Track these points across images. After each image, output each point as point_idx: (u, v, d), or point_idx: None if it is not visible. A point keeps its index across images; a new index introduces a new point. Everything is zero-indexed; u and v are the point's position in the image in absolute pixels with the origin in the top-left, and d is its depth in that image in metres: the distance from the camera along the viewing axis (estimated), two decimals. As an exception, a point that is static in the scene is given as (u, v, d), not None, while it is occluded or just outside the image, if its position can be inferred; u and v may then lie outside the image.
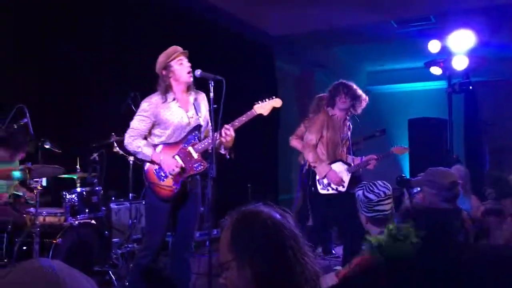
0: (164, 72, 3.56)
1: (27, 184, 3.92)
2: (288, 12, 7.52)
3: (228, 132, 3.50)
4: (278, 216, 1.43)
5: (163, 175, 3.51)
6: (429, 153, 7.84)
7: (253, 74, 7.79)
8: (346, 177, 4.61)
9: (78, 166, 4.64)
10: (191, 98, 3.66)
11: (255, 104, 3.61)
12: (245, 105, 7.21)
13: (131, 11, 5.79)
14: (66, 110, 5.16)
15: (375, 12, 7.10)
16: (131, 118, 3.60)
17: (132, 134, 3.54)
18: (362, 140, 5.40)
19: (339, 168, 4.61)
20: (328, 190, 4.57)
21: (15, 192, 4.45)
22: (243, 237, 1.37)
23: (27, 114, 3.83)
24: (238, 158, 4.92)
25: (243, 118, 3.58)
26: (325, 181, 4.56)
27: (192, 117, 3.62)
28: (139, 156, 3.54)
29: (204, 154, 3.56)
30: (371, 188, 2.55)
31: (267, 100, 3.63)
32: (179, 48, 3.60)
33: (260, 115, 3.59)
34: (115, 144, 4.77)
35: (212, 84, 3.38)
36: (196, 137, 3.59)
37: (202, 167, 3.57)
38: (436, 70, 6.84)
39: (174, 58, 3.54)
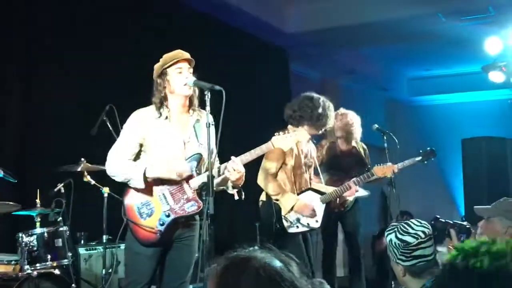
0: (159, 81, 3.61)
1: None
2: (306, 4, 7.62)
3: (236, 167, 3.51)
4: (277, 263, 1.47)
5: (147, 212, 3.53)
6: (488, 181, 7.81)
7: (262, 80, 7.87)
8: (320, 208, 4.76)
9: (38, 200, 4.65)
10: (193, 118, 3.70)
11: (274, 135, 3.67)
12: (251, 117, 7.29)
13: (111, 5, 5.90)
14: (24, 130, 5.22)
15: (417, 3, 7.16)
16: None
17: (117, 155, 3.56)
18: (401, 167, 5.40)
19: (309, 198, 4.75)
20: (298, 227, 4.69)
21: None
22: None
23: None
24: (246, 189, 4.95)
25: (257, 152, 3.64)
26: (293, 216, 4.65)
27: (189, 142, 3.65)
28: (132, 184, 3.54)
29: (202, 191, 3.56)
30: (405, 229, 2.55)
31: (289, 131, 3.70)
32: (184, 54, 3.64)
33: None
34: (86, 173, 4.80)
35: (209, 96, 3.42)
36: (193, 169, 3.62)
37: (196, 207, 3.58)
38: (496, 76, 6.87)
39: (172, 64, 3.58)
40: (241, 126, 6.34)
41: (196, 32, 6.62)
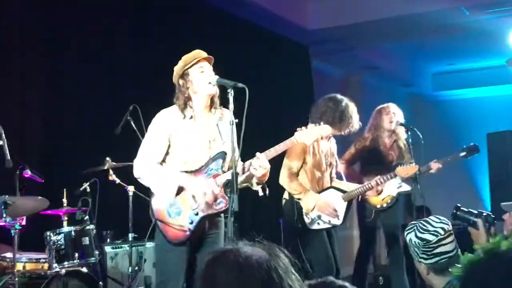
0: (181, 82, 3.64)
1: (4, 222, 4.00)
2: (327, 0, 7.60)
3: (261, 163, 3.52)
4: (260, 256, 1.51)
5: (175, 211, 3.56)
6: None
7: (285, 78, 7.87)
8: (341, 206, 4.77)
9: (64, 200, 4.72)
10: (216, 117, 3.72)
11: (296, 131, 3.67)
12: (273, 115, 7.30)
13: (131, 6, 5.95)
14: (49, 130, 5.29)
15: (440, -3, 7.11)
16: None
17: (146, 159, 3.58)
18: (437, 163, 5.35)
19: (331, 196, 4.78)
20: (319, 224, 4.72)
21: None
22: (209, 285, 1.51)
23: (3, 136, 3.94)
24: (270, 187, 4.97)
25: (281, 147, 3.64)
26: (314, 213, 4.69)
27: (214, 141, 3.68)
28: (160, 191, 3.56)
29: (227, 189, 3.58)
30: (425, 227, 2.53)
31: (312, 126, 3.70)
32: (203, 53, 3.66)
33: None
34: (111, 172, 4.84)
35: (232, 94, 3.42)
36: (219, 167, 3.63)
37: (224, 204, 3.59)
38: (521, 70, 6.77)
39: (193, 65, 3.61)
40: (264, 124, 6.35)
41: (217, 30, 6.64)
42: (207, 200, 3.53)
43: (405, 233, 2.60)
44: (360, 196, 5.21)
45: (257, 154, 3.54)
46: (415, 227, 2.56)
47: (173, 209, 3.56)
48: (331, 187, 4.87)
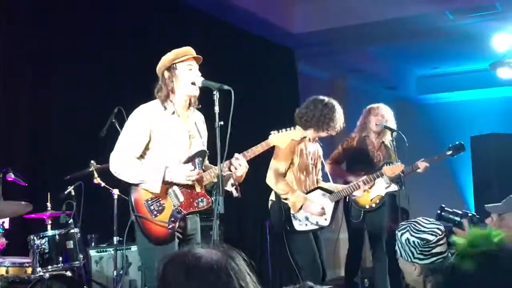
0: (166, 74, 3.59)
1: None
2: (312, 4, 7.62)
3: (241, 163, 3.54)
4: (212, 257, 1.57)
5: (157, 208, 3.51)
6: (498, 178, 7.79)
7: (270, 81, 7.89)
8: (329, 207, 4.80)
9: (48, 203, 4.69)
10: (194, 115, 3.73)
11: (271, 134, 3.73)
12: (258, 118, 7.31)
13: (116, 5, 5.94)
14: (34, 134, 5.26)
15: (425, 1, 7.15)
16: (116, 141, 3.64)
17: (125, 153, 3.50)
18: (424, 162, 5.39)
19: (318, 197, 4.81)
20: (306, 225, 4.73)
21: None
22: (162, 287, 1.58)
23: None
24: (255, 189, 4.98)
25: (258, 149, 3.68)
26: (302, 214, 4.71)
27: (194, 138, 3.67)
28: (144, 187, 3.49)
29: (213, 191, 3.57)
30: (419, 227, 2.53)
31: (283, 130, 3.76)
32: (193, 51, 3.65)
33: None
34: (96, 174, 4.81)
35: (217, 96, 3.42)
36: (200, 165, 3.63)
37: (206, 203, 3.60)
38: (504, 73, 6.84)
39: (183, 61, 3.59)
40: (249, 126, 6.35)
41: (202, 34, 6.63)
42: (190, 178, 3.51)
43: (398, 233, 2.59)
44: (348, 198, 5.23)
45: (236, 154, 3.56)
46: (408, 227, 2.55)
47: (155, 206, 3.52)
48: (318, 187, 4.88)
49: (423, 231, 2.50)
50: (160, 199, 3.54)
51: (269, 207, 4.88)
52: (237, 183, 3.67)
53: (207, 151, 3.70)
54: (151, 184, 3.47)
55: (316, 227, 4.77)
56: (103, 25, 5.76)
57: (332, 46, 8.57)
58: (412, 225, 2.55)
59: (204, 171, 3.66)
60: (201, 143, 3.69)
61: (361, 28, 7.87)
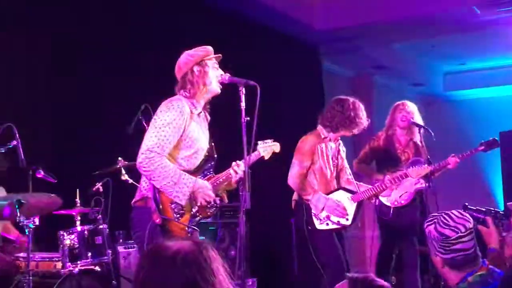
0: (196, 69, 3.51)
1: (17, 222, 4.04)
2: (336, 0, 7.60)
3: (239, 171, 3.56)
4: (179, 248, 1.62)
5: (179, 212, 3.47)
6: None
7: (294, 78, 7.88)
8: (351, 207, 4.81)
9: (77, 199, 4.77)
10: (207, 116, 3.75)
11: (258, 144, 3.75)
12: (283, 116, 7.32)
13: (137, 4, 6.00)
14: (62, 130, 5.35)
15: (451, -4, 7.10)
16: (143, 137, 3.62)
17: (158, 152, 3.32)
18: (455, 158, 5.31)
19: (340, 197, 4.82)
20: (327, 225, 4.75)
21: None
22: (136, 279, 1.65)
23: (17, 135, 3.98)
24: (280, 187, 5.01)
25: (252, 158, 3.65)
26: (323, 214, 4.74)
27: (208, 141, 3.69)
28: (171, 194, 3.37)
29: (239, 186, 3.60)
30: (446, 221, 2.52)
31: (269, 141, 3.84)
32: (212, 49, 3.63)
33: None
34: (123, 171, 4.88)
35: (244, 92, 3.44)
36: (211, 169, 3.66)
37: (214, 209, 3.62)
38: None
39: (211, 59, 3.58)
40: (273, 124, 6.37)
41: (225, 31, 6.66)
42: (204, 203, 3.51)
43: (425, 224, 2.60)
44: (376, 196, 5.20)
45: (237, 162, 3.59)
46: (435, 220, 2.55)
47: (177, 210, 3.46)
48: (340, 188, 4.91)
49: (448, 226, 2.49)
50: None
51: (293, 206, 4.92)
52: (229, 189, 3.71)
53: (216, 156, 3.70)
54: (180, 196, 3.39)
55: (338, 226, 4.79)
56: (129, 21, 5.83)
57: (357, 43, 8.54)
58: (441, 217, 2.54)
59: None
60: (212, 148, 3.70)
61: (387, 25, 7.84)
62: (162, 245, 1.65)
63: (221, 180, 3.62)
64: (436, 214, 2.60)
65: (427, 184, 5.25)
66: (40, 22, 5.24)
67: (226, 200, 3.74)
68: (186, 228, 3.48)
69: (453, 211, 2.56)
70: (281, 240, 6.96)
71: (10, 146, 4.03)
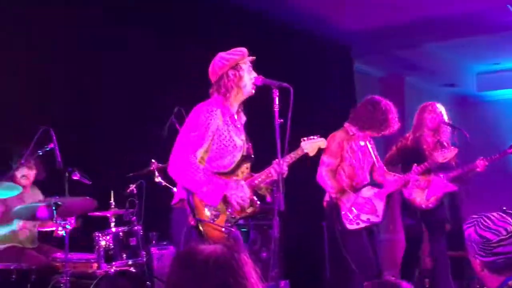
0: (231, 72, 3.54)
1: (54, 223, 4.13)
2: (367, 0, 7.56)
3: (278, 170, 3.51)
4: (211, 252, 1.65)
5: (214, 213, 3.48)
6: None
7: (326, 79, 7.90)
8: (379, 203, 4.81)
9: (112, 201, 4.83)
10: (243, 117, 3.75)
11: (302, 141, 3.78)
12: (315, 118, 7.33)
13: (173, 7, 6.07)
14: (96, 133, 5.44)
15: (485, -5, 7.02)
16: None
17: (187, 157, 3.37)
18: (483, 161, 5.25)
19: (368, 193, 4.82)
20: (358, 224, 4.74)
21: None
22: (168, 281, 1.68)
23: (54, 138, 4.07)
24: (313, 188, 5.01)
25: (294, 155, 3.70)
26: (353, 213, 4.73)
27: (244, 141, 3.69)
28: (202, 197, 3.41)
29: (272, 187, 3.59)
30: (486, 224, 2.48)
31: (314, 137, 3.83)
32: (247, 52, 3.64)
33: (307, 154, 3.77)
34: (157, 173, 4.94)
35: (277, 94, 3.45)
36: (249, 169, 3.67)
37: (253, 208, 3.63)
38: None
39: (245, 62, 3.59)
40: (304, 125, 6.36)
41: (257, 33, 6.69)
42: (237, 206, 3.52)
43: (464, 226, 2.57)
44: (404, 198, 5.20)
45: (275, 161, 3.54)
46: (475, 222, 2.52)
47: (212, 211, 3.48)
48: (368, 184, 4.90)
49: (488, 229, 2.46)
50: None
51: (325, 208, 4.93)
52: (270, 188, 3.67)
53: (253, 156, 3.72)
54: (211, 199, 3.41)
55: (368, 224, 4.78)
56: (160, 25, 5.90)
57: (389, 43, 8.49)
58: (481, 220, 2.50)
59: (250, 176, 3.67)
60: (250, 147, 3.72)
61: (419, 25, 7.78)
62: (195, 248, 1.67)
63: (259, 179, 3.62)
64: (475, 216, 2.56)
65: (458, 187, 5.20)
66: (71, 26, 5.34)
67: (269, 200, 3.74)
68: (222, 229, 3.49)
69: (493, 214, 2.52)
70: (313, 242, 6.97)
71: (48, 149, 4.12)
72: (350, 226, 4.74)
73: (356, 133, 4.85)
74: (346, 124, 4.89)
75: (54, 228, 4.39)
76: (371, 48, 8.66)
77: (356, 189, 4.82)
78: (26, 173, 4.65)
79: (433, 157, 5.06)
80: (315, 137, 3.84)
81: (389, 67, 9.75)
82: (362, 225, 4.76)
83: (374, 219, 4.79)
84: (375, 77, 9.82)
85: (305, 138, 3.79)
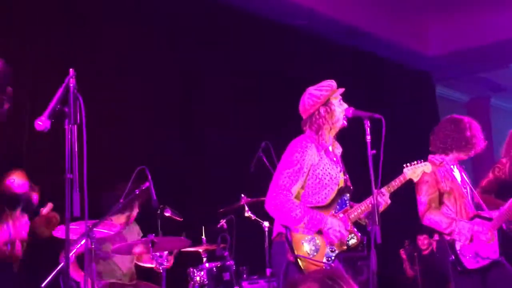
0: (322, 109, 3.56)
1: (151, 259, 4.25)
2: (447, 24, 7.46)
3: (385, 199, 3.53)
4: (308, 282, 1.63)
5: (313, 248, 3.46)
6: None
7: (408, 105, 7.82)
8: (492, 237, 4.20)
9: (203, 237, 4.92)
10: (338, 149, 3.73)
11: (404, 167, 3.71)
12: (400, 145, 7.22)
13: (254, 43, 6.20)
14: (186, 170, 5.58)
15: None
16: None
17: (284, 192, 3.42)
18: None
19: (480, 225, 4.21)
20: (478, 262, 4.15)
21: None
22: None
23: (149, 177, 4.20)
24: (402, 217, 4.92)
25: (396, 183, 3.65)
26: (470, 249, 4.17)
27: (341, 173, 3.66)
28: (302, 223, 3.40)
29: (368, 220, 3.57)
30: None
31: (416, 163, 3.75)
32: (335, 84, 3.64)
33: (411, 180, 3.70)
34: (246, 208, 4.99)
35: (369, 125, 3.44)
36: (347, 202, 3.62)
37: (356, 240, 3.56)
38: None
39: (336, 97, 3.60)
40: (390, 153, 6.29)
41: (339, 63, 6.73)
42: (339, 237, 3.48)
43: None
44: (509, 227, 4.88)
45: (382, 189, 3.53)
46: None
47: (312, 246, 3.46)
48: (476, 215, 4.33)
49: None
50: (316, 238, 3.49)
51: (435, 248, 4.61)
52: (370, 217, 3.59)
53: (351, 187, 3.66)
54: (308, 229, 3.43)
55: (488, 261, 4.16)
56: (247, 64, 6.04)
57: (472, 65, 8.33)
58: None
59: (351, 207, 3.63)
60: (348, 179, 3.68)
61: (503, 45, 7.59)
62: (292, 283, 1.68)
63: (359, 210, 3.57)
64: None
65: None
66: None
67: (369, 228, 3.66)
68: (322, 265, 3.47)
69: None
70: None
71: (144, 188, 4.25)
72: (470, 265, 4.16)
73: (443, 160, 4.40)
74: (430, 156, 4.37)
75: (152, 265, 4.50)
76: (454, 72, 8.53)
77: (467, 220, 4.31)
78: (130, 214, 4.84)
79: None
80: (418, 162, 3.76)
81: (473, 90, 9.58)
82: (482, 263, 4.16)
83: (493, 255, 4.17)
84: (458, 101, 9.64)
85: (408, 164, 3.72)
